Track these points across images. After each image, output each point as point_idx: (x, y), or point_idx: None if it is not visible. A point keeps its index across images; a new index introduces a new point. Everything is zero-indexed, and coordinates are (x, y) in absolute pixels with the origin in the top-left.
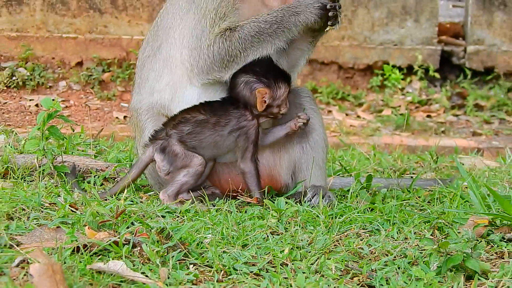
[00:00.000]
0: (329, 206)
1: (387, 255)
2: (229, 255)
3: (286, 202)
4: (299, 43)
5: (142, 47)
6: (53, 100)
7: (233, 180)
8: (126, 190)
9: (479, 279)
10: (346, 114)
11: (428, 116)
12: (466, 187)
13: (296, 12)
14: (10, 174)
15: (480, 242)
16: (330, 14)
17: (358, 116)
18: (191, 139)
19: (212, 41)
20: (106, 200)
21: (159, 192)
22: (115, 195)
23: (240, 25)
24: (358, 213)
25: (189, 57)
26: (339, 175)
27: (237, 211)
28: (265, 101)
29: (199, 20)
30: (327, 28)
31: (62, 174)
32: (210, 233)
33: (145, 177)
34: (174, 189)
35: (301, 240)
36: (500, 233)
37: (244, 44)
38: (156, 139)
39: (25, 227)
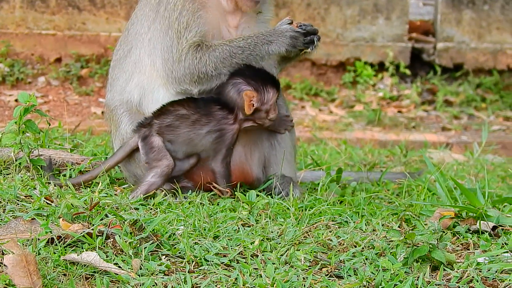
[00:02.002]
0: (298, 199)
1: (355, 246)
2: (201, 247)
3: (257, 195)
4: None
5: (115, 48)
6: (30, 94)
7: (206, 174)
8: (100, 183)
9: (444, 270)
10: (319, 110)
11: (399, 111)
12: (434, 181)
13: (269, 41)
14: None
15: (446, 233)
16: (307, 49)
17: (331, 112)
18: (168, 132)
19: (182, 55)
20: (80, 186)
21: (133, 185)
22: (93, 179)
23: (212, 45)
24: (327, 205)
25: (163, 66)
26: (310, 168)
27: (209, 203)
28: (253, 105)
29: (166, 31)
30: (302, 53)
31: (38, 167)
32: (182, 225)
33: (120, 170)
34: (143, 191)
35: (272, 232)
36: (466, 225)
37: (215, 65)
38: (142, 127)
39: (1, 219)
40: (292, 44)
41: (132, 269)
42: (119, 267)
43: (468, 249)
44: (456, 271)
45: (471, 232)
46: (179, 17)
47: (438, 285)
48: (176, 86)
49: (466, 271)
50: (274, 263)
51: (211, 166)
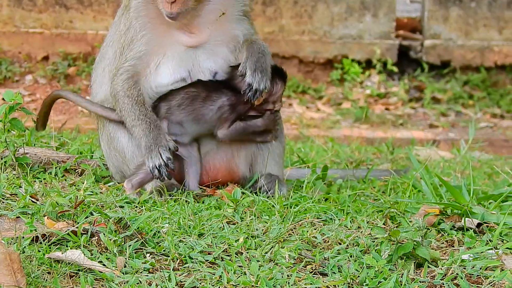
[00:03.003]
0: (284, 196)
1: (340, 244)
2: (185, 244)
3: (243, 193)
4: None
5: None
6: (15, 93)
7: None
8: (86, 181)
9: (429, 267)
10: (307, 107)
11: (387, 109)
12: (420, 178)
13: (149, 148)
14: None
15: (430, 230)
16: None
17: (318, 109)
18: (179, 111)
19: (117, 76)
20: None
21: (119, 183)
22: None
23: (136, 91)
24: (313, 202)
25: (108, 76)
26: (296, 166)
27: (194, 201)
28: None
29: (116, 42)
30: None
31: (24, 165)
32: (167, 223)
33: (106, 167)
34: (139, 179)
35: (256, 230)
36: (451, 222)
37: (124, 114)
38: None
39: None
40: (157, 164)
41: (116, 267)
42: (104, 265)
43: (453, 246)
44: (441, 268)
45: (455, 229)
46: (126, 32)
47: (423, 282)
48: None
49: (451, 268)
50: (259, 261)
51: (218, 137)
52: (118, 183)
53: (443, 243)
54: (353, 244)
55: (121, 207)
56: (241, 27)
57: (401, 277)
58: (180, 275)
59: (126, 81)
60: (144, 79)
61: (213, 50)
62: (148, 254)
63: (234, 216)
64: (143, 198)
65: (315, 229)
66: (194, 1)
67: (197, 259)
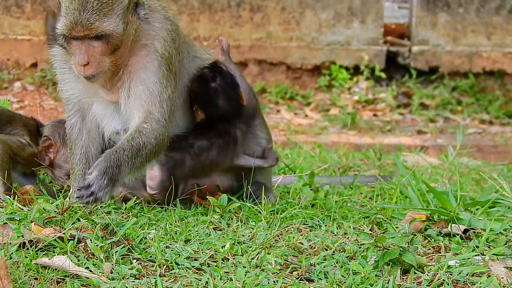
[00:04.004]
0: (270, 202)
1: (326, 250)
2: (172, 250)
3: (229, 199)
4: None
5: None
6: (2, 100)
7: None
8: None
9: (415, 273)
10: (295, 113)
11: (375, 115)
12: (407, 184)
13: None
14: None
15: (417, 236)
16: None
17: (306, 115)
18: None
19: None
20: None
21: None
22: None
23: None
24: (299, 209)
25: None
26: (282, 173)
27: (181, 207)
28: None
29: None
30: None
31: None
32: (153, 229)
33: None
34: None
35: (243, 236)
36: (437, 228)
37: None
38: None
39: None
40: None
41: (103, 273)
42: (90, 271)
43: (439, 252)
44: (427, 274)
45: (442, 235)
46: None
47: None
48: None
49: (437, 274)
50: (245, 267)
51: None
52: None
53: (429, 249)
54: (340, 250)
55: (108, 213)
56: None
57: (388, 283)
58: (166, 281)
59: (73, 126)
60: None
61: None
62: (135, 260)
63: (220, 222)
64: (129, 204)
65: (302, 235)
66: (110, 63)
67: (183, 265)
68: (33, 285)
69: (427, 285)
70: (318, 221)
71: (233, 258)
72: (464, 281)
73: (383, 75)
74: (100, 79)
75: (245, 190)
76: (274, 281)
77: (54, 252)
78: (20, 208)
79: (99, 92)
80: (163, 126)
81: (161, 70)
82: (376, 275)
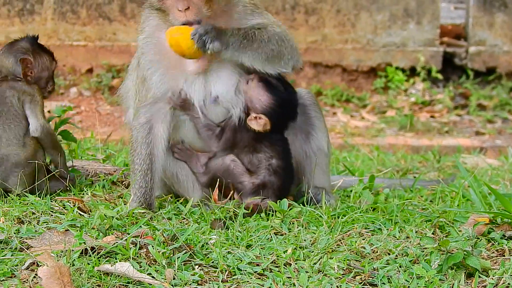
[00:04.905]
0: (331, 207)
1: (389, 254)
2: (234, 256)
3: (290, 203)
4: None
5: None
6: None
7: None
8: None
9: (479, 277)
10: (351, 116)
11: (432, 116)
12: (468, 186)
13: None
14: None
15: (480, 240)
16: None
17: (363, 118)
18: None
19: (136, 120)
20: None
21: (165, 194)
22: None
23: (150, 140)
24: (360, 212)
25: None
26: (342, 176)
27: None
28: None
29: (135, 75)
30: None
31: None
32: (215, 234)
33: None
34: None
35: (304, 240)
36: (501, 231)
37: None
38: None
39: (35, 231)
40: None
41: (165, 279)
42: (153, 277)
43: (504, 256)
44: (492, 278)
45: (506, 238)
46: (137, 68)
47: None
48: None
49: (502, 277)
50: (307, 272)
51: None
52: (165, 194)
53: (493, 252)
54: (402, 254)
55: (169, 219)
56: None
57: (452, 287)
58: (229, 287)
59: (142, 127)
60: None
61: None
62: (197, 266)
63: (281, 226)
64: (187, 208)
65: (364, 239)
66: (208, 8)
67: (245, 270)
68: None
69: None
70: (380, 225)
71: (295, 263)
72: None
73: (439, 76)
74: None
75: (305, 194)
76: (337, 286)
77: (116, 258)
78: (80, 214)
79: (186, 67)
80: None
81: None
82: (440, 279)
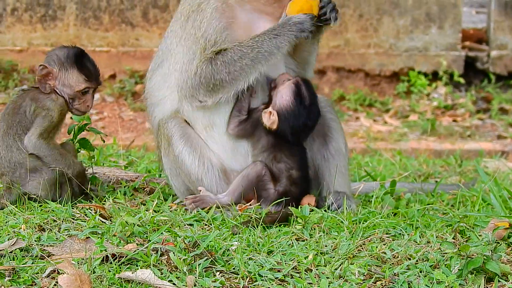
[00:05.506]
0: (352, 212)
1: (409, 259)
2: (255, 262)
3: (311, 210)
4: (303, 46)
5: (150, 63)
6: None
7: None
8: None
9: (499, 281)
10: (374, 120)
11: (454, 120)
12: (489, 191)
13: (276, 35)
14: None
15: (500, 244)
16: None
17: (385, 122)
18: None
19: (200, 65)
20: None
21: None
22: None
23: (224, 48)
24: (381, 218)
25: (179, 80)
26: (364, 181)
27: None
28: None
29: (190, 46)
30: (323, 28)
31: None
32: (236, 241)
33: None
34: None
35: (325, 246)
36: None
37: (228, 68)
38: None
39: (56, 238)
40: (299, 29)
41: (186, 286)
42: (174, 284)
43: None
44: (511, 283)
45: None
46: (204, 34)
47: None
48: (191, 100)
49: None
50: (328, 278)
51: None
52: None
53: None
54: (423, 259)
55: (190, 225)
56: None
57: None
58: None
59: (212, 58)
60: None
61: None
62: (218, 273)
63: (303, 232)
64: (209, 215)
65: (384, 244)
66: None
67: (267, 276)
68: None
69: None
70: (401, 230)
71: (316, 269)
72: None
73: (462, 80)
74: None
75: (326, 199)
76: None
77: (137, 265)
78: (102, 221)
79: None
80: None
81: None
82: (460, 284)
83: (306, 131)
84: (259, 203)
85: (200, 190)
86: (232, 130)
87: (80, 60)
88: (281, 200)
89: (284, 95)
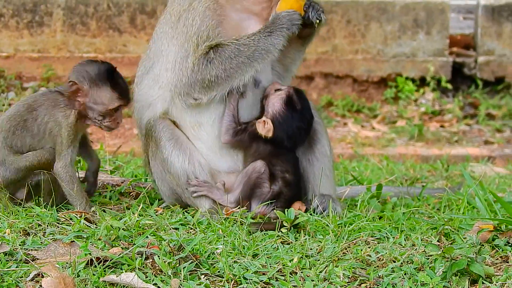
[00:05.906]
0: (338, 215)
1: (394, 262)
2: (240, 265)
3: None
4: (288, 51)
5: (138, 67)
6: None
7: None
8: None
9: (483, 283)
10: (362, 126)
11: (442, 126)
12: (475, 194)
13: (270, 32)
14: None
15: (484, 247)
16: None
17: (373, 128)
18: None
19: (196, 62)
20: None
21: (173, 205)
22: None
23: (220, 43)
24: (367, 221)
25: (172, 79)
26: (350, 185)
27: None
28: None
29: (182, 44)
30: (313, 36)
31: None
32: (221, 244)
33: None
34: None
35: (310, 249)
36: (505, 237)
37: (224, 65)
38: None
39: (41, 242)
40: (290, 21)
41: None
42: (158, 287)
43: (507, 262)
44: (495, 284)
45: (510, 245)
46: (197, 31)
47: None
48: (186, 98)
49: (505, 284)
50: (313, 280)
51: None
52: (173, 205)
53: (497, 259)
54: (408, 261)
55: (176, 229)
56: None
57: None
58: None
59: (207, 54)
60: None
61: None
62: (203, 276)
63: (288, 235)
64: (195, 219)
65: (369, 247)
66: None
67: (251, 279)
68: None
69: None
70: (386, 233)
71: (301, 272)
72: None
73: (449, 86)
74: None
75: (312, 203)
76: None
77: (121, 269)
78: (87, 225)
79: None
80: None
81: None
82: (444, 286)
83: (302, 135)
84: (249, 201)
85: (223, 183)
86: (227, 141)
87: (112, 76)
88: (272, 201)
89: (275, 103)
